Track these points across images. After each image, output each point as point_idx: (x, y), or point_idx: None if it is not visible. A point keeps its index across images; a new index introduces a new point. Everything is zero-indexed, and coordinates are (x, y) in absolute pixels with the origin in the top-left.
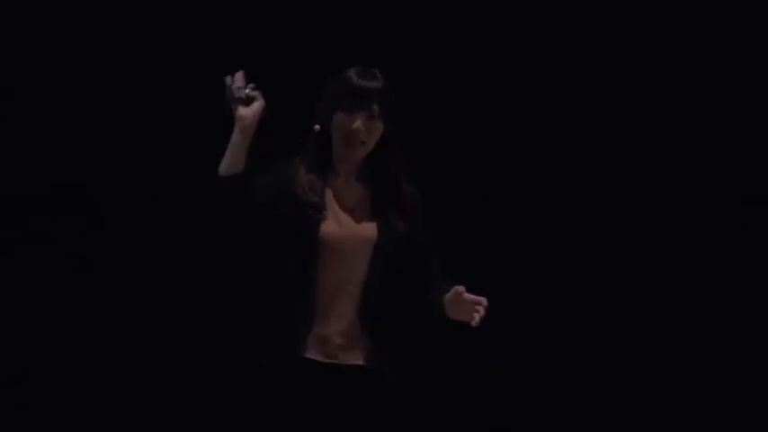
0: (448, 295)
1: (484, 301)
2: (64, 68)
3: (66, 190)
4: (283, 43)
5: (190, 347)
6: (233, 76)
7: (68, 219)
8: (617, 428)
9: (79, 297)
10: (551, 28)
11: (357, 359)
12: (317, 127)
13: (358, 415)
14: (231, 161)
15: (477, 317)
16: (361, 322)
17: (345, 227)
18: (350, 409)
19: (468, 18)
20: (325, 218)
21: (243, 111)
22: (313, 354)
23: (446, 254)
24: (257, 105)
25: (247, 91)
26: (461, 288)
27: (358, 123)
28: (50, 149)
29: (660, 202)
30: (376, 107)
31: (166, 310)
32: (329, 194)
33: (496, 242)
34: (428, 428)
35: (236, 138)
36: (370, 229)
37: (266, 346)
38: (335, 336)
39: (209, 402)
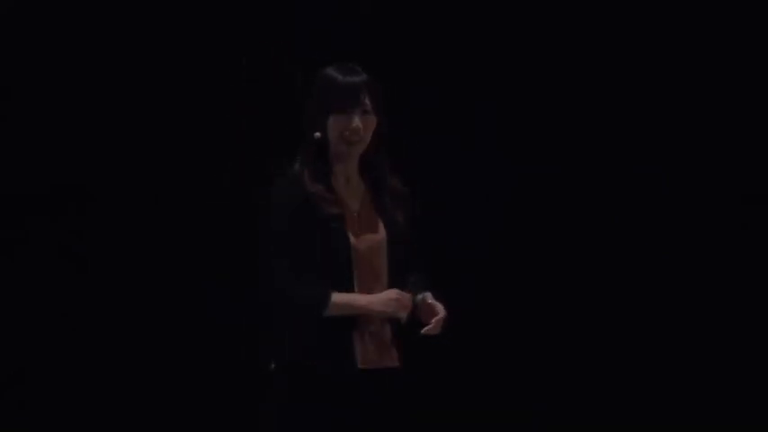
0: (417, 299)
1: (441, 314)
2: (64, 68)
3: (66, 190)
4: (283, 43)
5: (190, 347)
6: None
7: (68, 219)
8: (617, 428)
9: (79, 297)
10: (551, 28)
11: (393, 362)
12: (318, 135)
13: (396, 416)
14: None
15: (426, 328)
16: (391, 323)
17: (358, 233)
18: (389, 413)
19: (468, 18)
20: (346, 228)
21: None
22: (355, 362)
23: (446, 254)
24: None
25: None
26: (428, 296)
27: (356, 121)
28: (50, 149)
29: (660, 202)
30: (368, 101)
31: (166, 310)
32: (338, 200)
33: (496, 242)
34: (428, 428)
35: (364, 309)
36: (379, 229)
37: (310, 358)
38: (372, 340)
39: (209, 402)
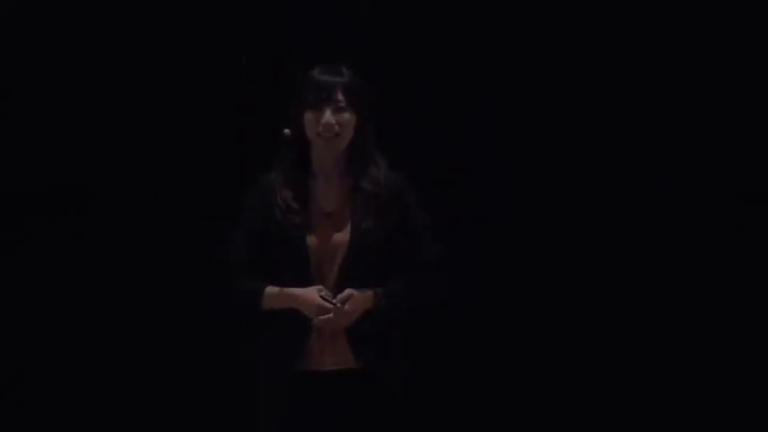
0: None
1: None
2: (64, 68)
3: (66, 190)
4: (283, 43)
5: (190, 347)
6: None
7: (68, 219)
8: (617, 428)
9: (79, 297)
10: (551, 28)
11: (349, 363)
12: (287, 131)
13: (358, 419)
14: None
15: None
16: (361, 323)
17: (322, 235)
18: (350, 415)
19: (468, 18)
20: (309, 232)
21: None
22: (310, 364)
23: (446, 254)
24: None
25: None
26: (352, 291)
27: (327, 116)
28: (50, 149)
29: (658, 202)
30: (341, 98)
31: (166, 310)
32: (308, 202)
33: (495, 242)
34: (426, 428)
35: (287, 304)
36: (345, 230)
37: (265, 359)
38: (328, 341)
39: (209, 402)
